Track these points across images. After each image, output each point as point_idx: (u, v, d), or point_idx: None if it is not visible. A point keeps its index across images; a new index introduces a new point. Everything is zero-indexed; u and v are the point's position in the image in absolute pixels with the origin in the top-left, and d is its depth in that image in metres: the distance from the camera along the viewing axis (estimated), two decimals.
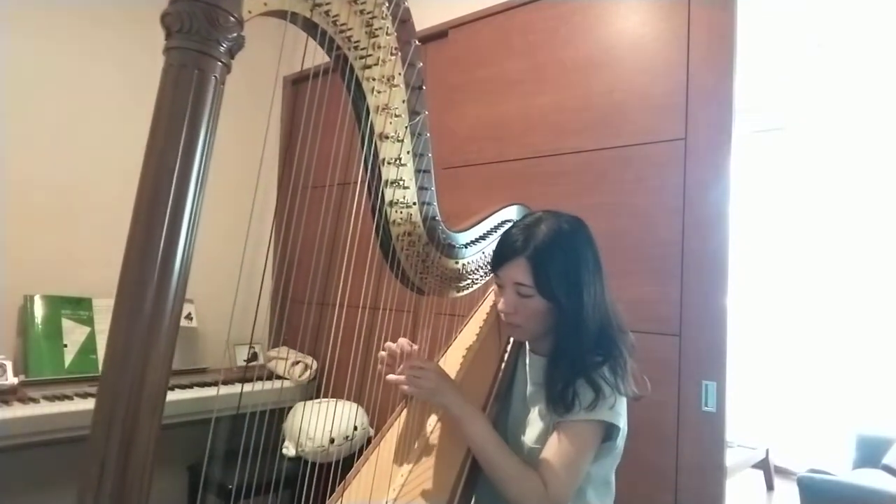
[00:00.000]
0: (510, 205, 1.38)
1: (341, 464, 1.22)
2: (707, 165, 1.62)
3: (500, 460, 1.04)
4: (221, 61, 0.59)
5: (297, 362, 2.51)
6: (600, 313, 1.12)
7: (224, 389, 2.30)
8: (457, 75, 2.25)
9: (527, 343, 1.28)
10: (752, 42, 3.06)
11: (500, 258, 1.14)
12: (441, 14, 2.31)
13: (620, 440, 1.12)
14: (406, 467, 1.13)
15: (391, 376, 1.14)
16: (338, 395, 2.29)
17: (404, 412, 1.27)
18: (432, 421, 1.23)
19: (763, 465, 4.09)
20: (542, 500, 1.00)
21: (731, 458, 2.21)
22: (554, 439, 1.07)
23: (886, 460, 3.19)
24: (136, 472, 0.56)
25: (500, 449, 1.05)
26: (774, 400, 4.36)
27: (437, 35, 2.32)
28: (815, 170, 4.35)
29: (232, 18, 0.59)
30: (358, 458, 1.19)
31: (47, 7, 2.28)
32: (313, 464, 1.89)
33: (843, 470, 3.40)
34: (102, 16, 2.43)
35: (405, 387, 1.09)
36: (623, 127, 1.80)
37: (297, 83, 3.02)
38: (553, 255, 1.09)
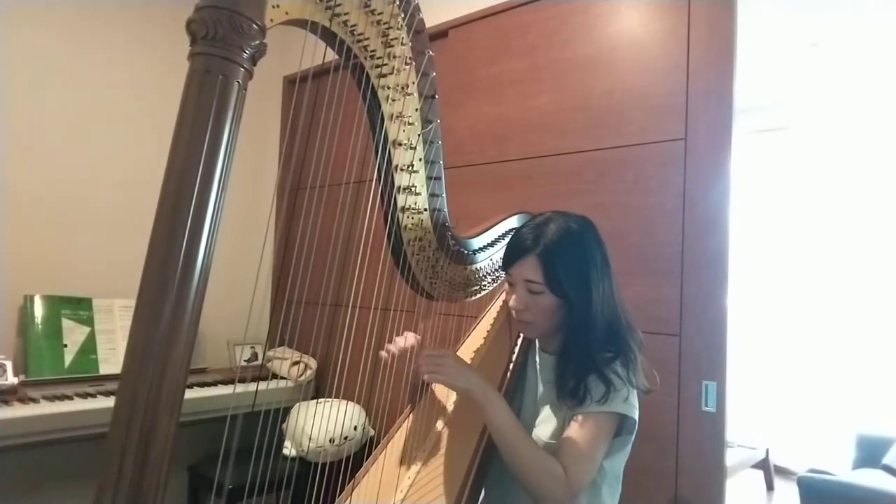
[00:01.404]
0: (515, 214, 1.40)
1: (341, 464, 1.23)
2: (707, 165, 1.63)
3: (521, 445, 1.05)
4: (244, 67, 0.60)
5: (297, 362, 2.51)
6: (609, 310, 1.14)
7: (223, 389, 2.30)
8: (457, 75, 2.25)
9: (536, 342, 1.30)
10: (752, 42, 3.07)
11: (511, 256, 1.16)
12: (441, 14, 2.31)
13: (634, 434, 1.14)
14: (413, 469, 1.14)
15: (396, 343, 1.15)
16: (337, 395, 2.29)
17: (412, 414, 1.27)
18: (440, 423, 1.23)
19: (763, 465, 4.10)
20: (562, 485, 1.02)
21: (731, 458, 2.22)
22: (570, 429, 1.08)
23: (886, 460, 3.20)
24: (154, 469, 0.56)
25: (521, 434, 1.06)
26: (774, 400, 4.36)
27: (437, 35, 2.31)
28: (816, 170, 4.36)
29: (255, 26, 0.61)
30: (358, 458, 1.19)
31: (49, 8, 2.27)
32: (313, 464, 1.89)
33: (843, 470, 3.41)
34: (103, 18, 2.41)
35: (428, 375, 1.08)
36: (623, 127, 1.81)
37: (296, 83, 3.01)
38: (562, 252, 1.11)
